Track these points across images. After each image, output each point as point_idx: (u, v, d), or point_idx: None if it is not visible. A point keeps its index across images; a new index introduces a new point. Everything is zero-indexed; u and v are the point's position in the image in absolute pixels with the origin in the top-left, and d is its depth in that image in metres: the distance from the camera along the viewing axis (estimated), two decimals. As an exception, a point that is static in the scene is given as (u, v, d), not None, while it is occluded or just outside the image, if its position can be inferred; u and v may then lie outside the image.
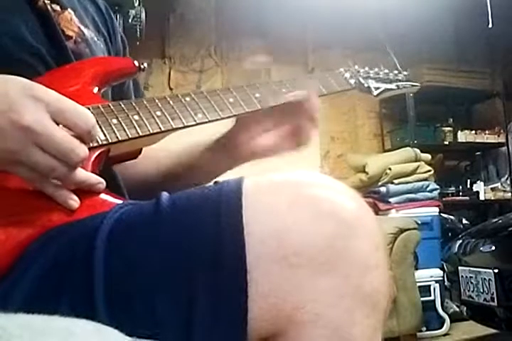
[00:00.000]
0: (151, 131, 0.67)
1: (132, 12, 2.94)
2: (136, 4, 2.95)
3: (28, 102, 0.53)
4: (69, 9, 0.78)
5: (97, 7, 0.89)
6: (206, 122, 0.74)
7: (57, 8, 0.76)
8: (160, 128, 0.68)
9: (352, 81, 0.96)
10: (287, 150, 0.84)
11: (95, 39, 0.81)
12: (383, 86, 1.00)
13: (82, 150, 0.56)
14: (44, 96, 0.55)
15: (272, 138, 0.84)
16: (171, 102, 0.71)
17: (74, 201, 0.58)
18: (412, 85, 1.06)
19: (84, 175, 0.59)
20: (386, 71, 1.03)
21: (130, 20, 2.94)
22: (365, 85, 0.98)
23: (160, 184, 0.86)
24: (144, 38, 2.98)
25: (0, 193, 0.57)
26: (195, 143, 0.88)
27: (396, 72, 1.05)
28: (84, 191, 0.59)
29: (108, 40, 0.87)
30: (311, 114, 0.83)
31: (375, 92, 0.99)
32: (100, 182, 0.60)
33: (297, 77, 0.89)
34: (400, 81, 1.03)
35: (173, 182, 0.87)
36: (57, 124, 0.55)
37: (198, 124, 0.72)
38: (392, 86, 1.02)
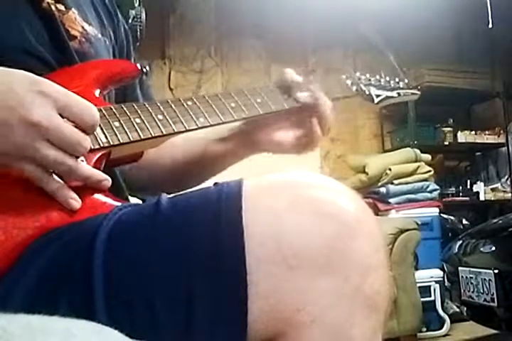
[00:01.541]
0: (153, 135, 0.67)
1: (132, 12, 2.94)
2: (136, 4, 2.94)
3: (36, 98, 0.54)
4: (73, 8, 0.78)
5: (102, 0, 0.89)
6: (208, 126, 0.74)
7: (62, 8, 0.76)
8: (162, 131, 0.68)
9: (353, 88, 0.97)
10: (298, 151, 0.87)
11: (99, 36, 0.81)
12: (384, 93, 1.02)
13: (87, 142, 0.57)
14: (51, 91, 0.56)
15: (288, 135, 0.86)
16: (172, 106, 0.72)
17: (75, 201, 0.58)
18: (413, 93, 1.07)
19: (91, 170, 0.59)
20: (387, 78, 1.04)
21: (130, 20, 2.94)
22: (367, 92, 1.00)
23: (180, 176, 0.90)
24: (144, 38, 2.98)
25: (0, 194, 0.57)
26: (203, 134, 0.90)
27: (397, 79, 1.06)
28: (84, 192, 0.59)
29: (113, 35, 0.87)
30: (318, 118, 0.85)
31: (376, 100, 1.01)
32: (106, 179, 0.61)
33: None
34: (401, 88, 1.05)
35: (185, 175, 0.90)
36: (63, 118, 0.56)
37: (199, 128, 0.73)
38: (393, 93, 1.03)
